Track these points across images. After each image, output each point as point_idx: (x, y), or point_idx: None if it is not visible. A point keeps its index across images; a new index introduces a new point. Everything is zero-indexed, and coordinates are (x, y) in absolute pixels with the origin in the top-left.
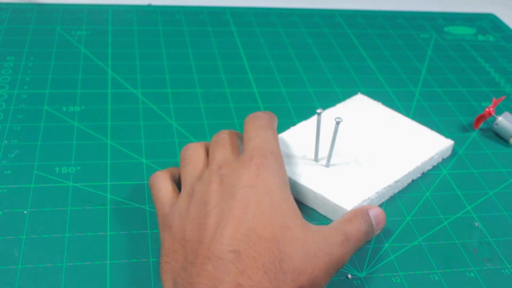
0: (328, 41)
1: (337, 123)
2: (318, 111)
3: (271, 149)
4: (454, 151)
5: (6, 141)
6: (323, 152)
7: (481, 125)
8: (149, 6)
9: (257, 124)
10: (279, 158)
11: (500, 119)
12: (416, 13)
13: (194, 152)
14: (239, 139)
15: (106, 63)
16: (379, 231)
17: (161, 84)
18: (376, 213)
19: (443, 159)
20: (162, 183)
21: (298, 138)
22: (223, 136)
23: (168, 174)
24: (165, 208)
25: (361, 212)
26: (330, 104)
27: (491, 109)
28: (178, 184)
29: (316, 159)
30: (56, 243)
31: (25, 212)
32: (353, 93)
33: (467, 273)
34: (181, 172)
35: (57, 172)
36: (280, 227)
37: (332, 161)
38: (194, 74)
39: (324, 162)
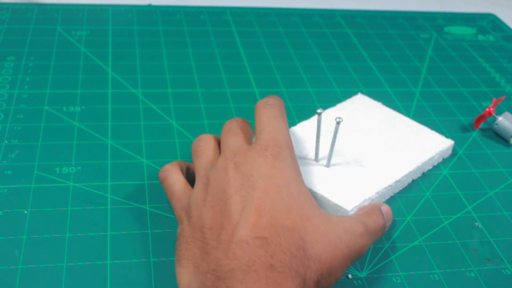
0: (328, 41)
1: (338, 123)
2: (319, 111)
3: (285, 140)
4: (454, 151)
5: (6, 141)
6: (324, 152)
7: (481, 125)
8: (149, 6)
9: (270, 113)
10: (292, 151)
11: (500, 119)
12: (416, 13)
13: (206, 144)
14: (250, 127)
15: (106, 63)
16: (387, 228)
17: (161, 84)
18: (386, 210)
19: (443, 159)
20: (175, 177)
21: (298, 138)
22: (236, 124)
23: (179, 167)
24: (183, 201)
25: (377, 207)
26: (330, 104)
27: (491, 109)
28: (186, 177)
29: (316, 159)
30: (57, 243)
31: (25, 212)
32: (353, 93)
33: (467, 273)
34: (194, 163)
35: (58, 172)
36: (300, 218)
37: (332, 161)
38: (194, 74)
39: (324, 162)
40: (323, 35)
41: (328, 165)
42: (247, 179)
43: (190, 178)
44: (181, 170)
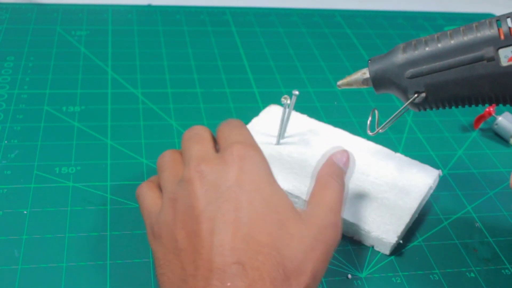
0: (328, 41)
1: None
2: (295, 92)
3: (250, 141)
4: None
5: (6, 141)
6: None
7: (481, 125)
8: (149, 6)
9: (230, 126)
10: (259, 149)
11: (500, 119)
12: (416, 13)
13: (170, 158)
14: (212, 134)
15: (106, 63)
16: (347, 169)
17: (161, 84)
18: (339, 156)
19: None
20: (145, 192)
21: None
22: (196, 132)
23: (152, 183)
24: (152, 217)
25: (329, 170)
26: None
27: (491, 109)
28: None
29: (278, 142)
30: (56, 243)
31: (25, 212)
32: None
33: (467, 273)
34: (159, 180)
35: (57, 172)
36: (276, 226)
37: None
38: (194, 74)
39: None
40: (323, 35)
41: (278, 142)
42: (214, 191)
43: None
44: (158, 185)
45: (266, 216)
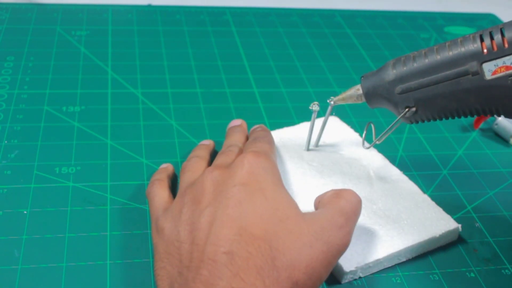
0: (328, 41)
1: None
2: (331, 102)
3: (264, 150)
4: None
5: (6, 141)
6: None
7: (481, 125)
8: (149, 6)
9: (253, 135)
10: (269, 157)
11: (500, 119)
12: (416, 13)
13: (195, 163)
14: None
15: (106, 63)
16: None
17: (161, 84)
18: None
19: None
20: (157, 191)
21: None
22: (233, 148)
23: (163, 182)
24: (158, 212)
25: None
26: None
27: None
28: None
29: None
30: (56, 243)
31: (25, 212)
32: None
33: (467, 273)
34: (180, 179)
35: (57, 172)
36: (273, 222)
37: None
38: (194, 74)
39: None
40: (323, 35)
41: (307, 148)
42: (221, 189)
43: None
44: (170, 186)
45: (265, 212)
